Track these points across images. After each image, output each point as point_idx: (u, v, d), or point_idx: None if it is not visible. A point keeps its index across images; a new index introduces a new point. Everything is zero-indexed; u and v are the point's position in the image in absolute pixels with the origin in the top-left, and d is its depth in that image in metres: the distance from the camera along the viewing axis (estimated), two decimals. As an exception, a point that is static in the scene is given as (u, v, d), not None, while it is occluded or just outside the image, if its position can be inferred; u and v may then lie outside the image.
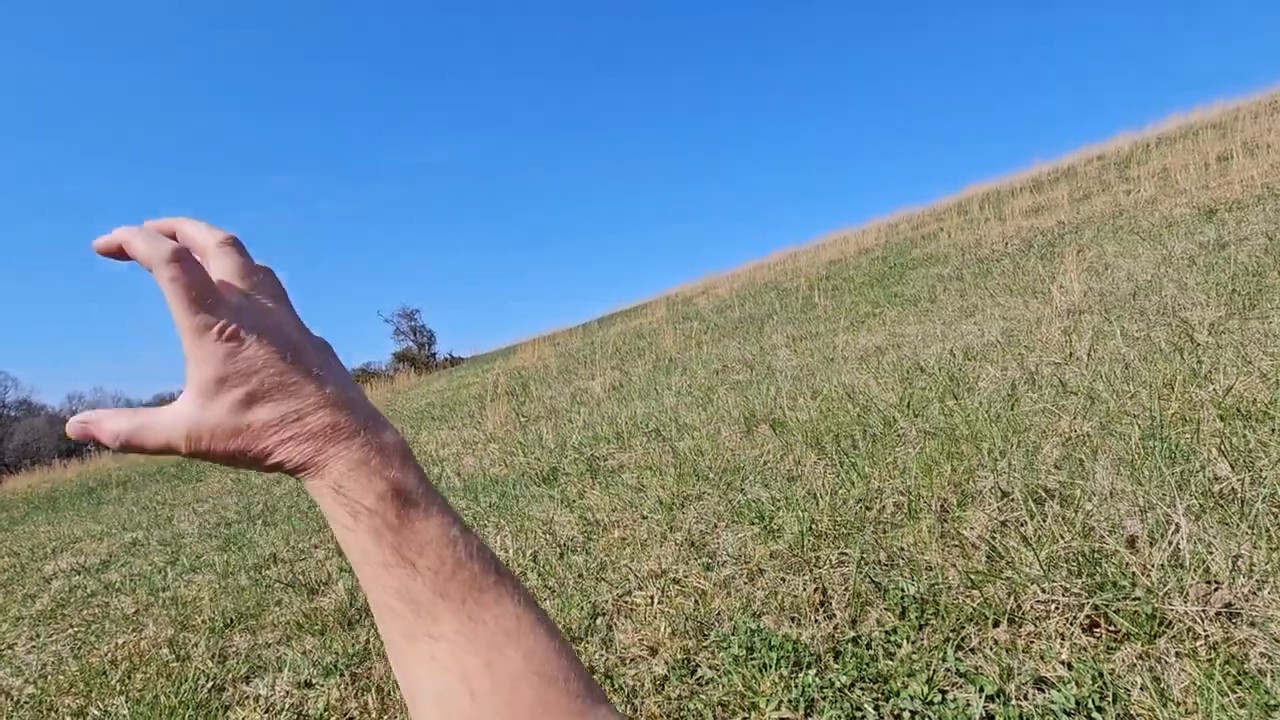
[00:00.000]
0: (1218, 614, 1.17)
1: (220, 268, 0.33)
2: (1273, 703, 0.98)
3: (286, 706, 1.66)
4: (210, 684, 1.87)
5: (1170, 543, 1.33)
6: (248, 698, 1.76)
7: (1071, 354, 2.91)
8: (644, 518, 2.35)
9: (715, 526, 2.09)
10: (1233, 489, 1.45)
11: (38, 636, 2.77)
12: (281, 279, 0.37)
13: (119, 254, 0.32)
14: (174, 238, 0.35)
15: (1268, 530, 1.30)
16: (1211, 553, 1.29)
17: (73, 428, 0.31)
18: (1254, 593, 1.19)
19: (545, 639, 0.30)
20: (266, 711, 1.67)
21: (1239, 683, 1.04)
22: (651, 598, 1.77)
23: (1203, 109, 10.53)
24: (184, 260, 0.30)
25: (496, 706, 0.28)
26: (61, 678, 2.19)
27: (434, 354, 24.98)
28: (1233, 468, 1.53)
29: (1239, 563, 1.25)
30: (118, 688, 2.00)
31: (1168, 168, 7.17)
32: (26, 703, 2.05)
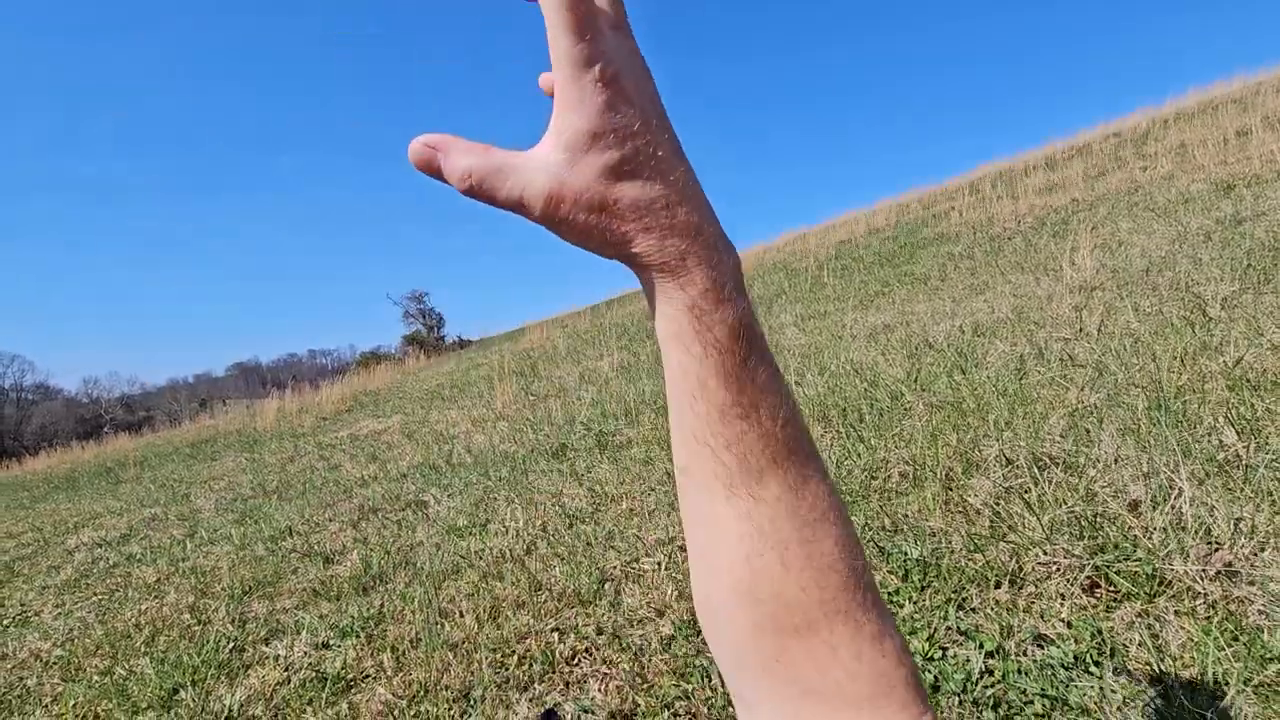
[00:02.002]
0: (1217, 574, 1.18)
1: None
2: (1269, 655, 1.00)
3: (305, 665, 1.72)
4: (231, 645, 1.93)
5: (1173, 506, 1.34)
6: (267, 658, 1.82)
7: (1082, 329, 2.90)
8: (651, 490, 2.38)
9: (722, 497, 2.12)
10: (1237, 455, 1.46)
11: (63, 604, 2.86)
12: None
13: None
14: None
15: (1270, 493, 1.31)
16: (1214, 516, 1.30)
17: (417, 151, 0.26)
18: (1255, 553, 1.20)
19: (850, 530, 0.29)
20: (286, 670, 1.72)
21: (1236, 638, 1.06)
22: (659, 564, 1.80)
23: (1223, 83, 10.30)
24: None
25: (804, 582, 0.27)
26: (88, 641, 2.26)
27: (443, 336, 25.12)
28: (1239, 435, 1.53)
29: (1241, 525, 1.26)
30: (142, 649, 2.07)
31: (1185, 143, 7.03)
32: (55, 664, 2.13)
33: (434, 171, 0.26)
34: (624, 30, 0.28)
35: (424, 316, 25.87)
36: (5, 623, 2.78)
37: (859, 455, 2.05)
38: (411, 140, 0.26)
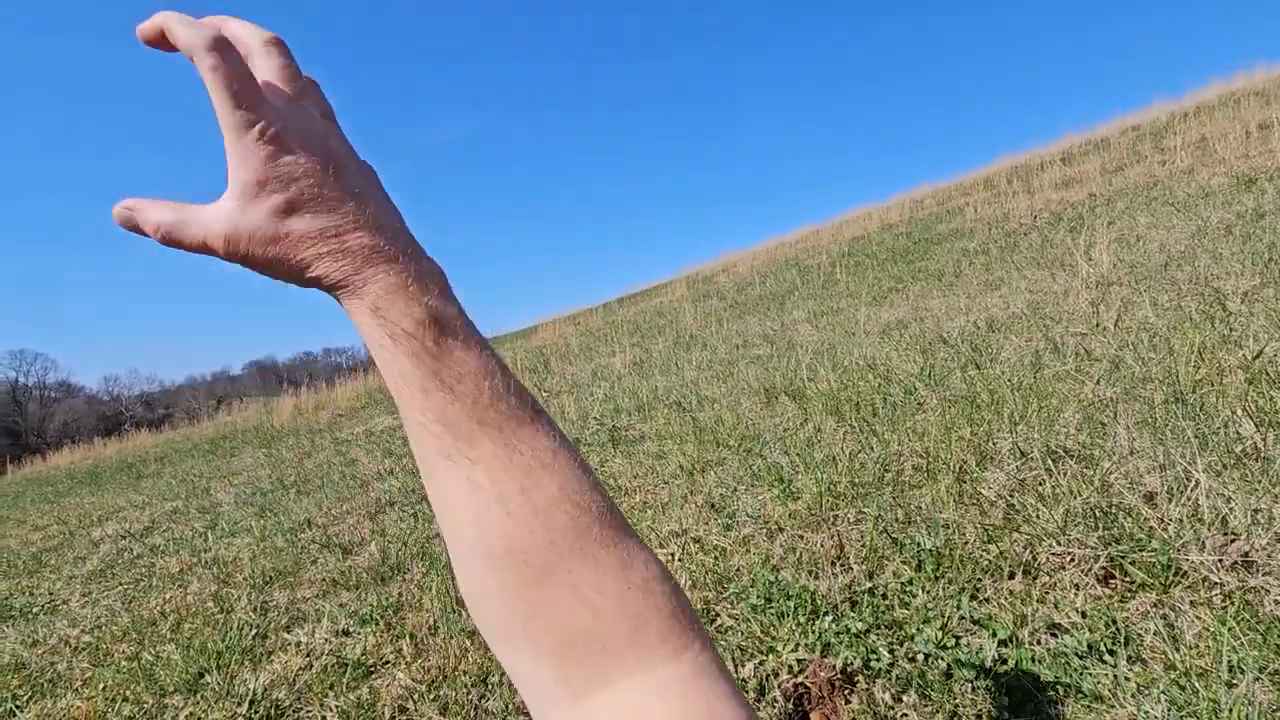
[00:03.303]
0: (1234, 564, 1.18)
1: (266, 68, 0.33)
2: (1285, 644, 1.00)
3: (326, 651, 1.76)
4: (254, 632, 1.98)
5: (1189, 498, 1.34)
6: (289, 644, 1.86)
7: (1098, 324, 2.87)
8: (665, 483, 2.40)
9: (735, 490, 2.13)
10: (1255, 446, 1.45)
11: (90, 593, 2.93)
12: None
13: (160, 42, 0.31)
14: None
15: (1289, 485, 1.30)
16: (1230, 507, 1.29)
17: (118, 213, 0.32)
18: (1272, 544, 1.19)
19: (579, 473, 0.31)
20: (307, 656, 1.76)
21: (1252, 627, 1.06)
22: (672, 555, 1.82)
23: (1245, 75, 10.11)
24: (226, 50, 0.30)
25: (531, 526, 0.29)
26: (115, 628, 2.32)
27: (456, 335, 25.23)
28: (1257, 427, 1.52)
29: (1258, 516, 1.25)
30: (168, 636, 2.12)
31: (1206, 137, 6.93)
32: (84, 649, 2.19)
33: (133, 227, 0.32)
34: (298, 101, 0.33)
35: (437, 315, 26.02)
36: (35, 610, 2.85)
37: (872, 448, 2.06)
38: (115, 204, 0.31)
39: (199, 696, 1.68)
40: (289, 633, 1.94)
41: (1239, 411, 1.62)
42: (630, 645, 0.27)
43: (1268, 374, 1.83)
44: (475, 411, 0.30)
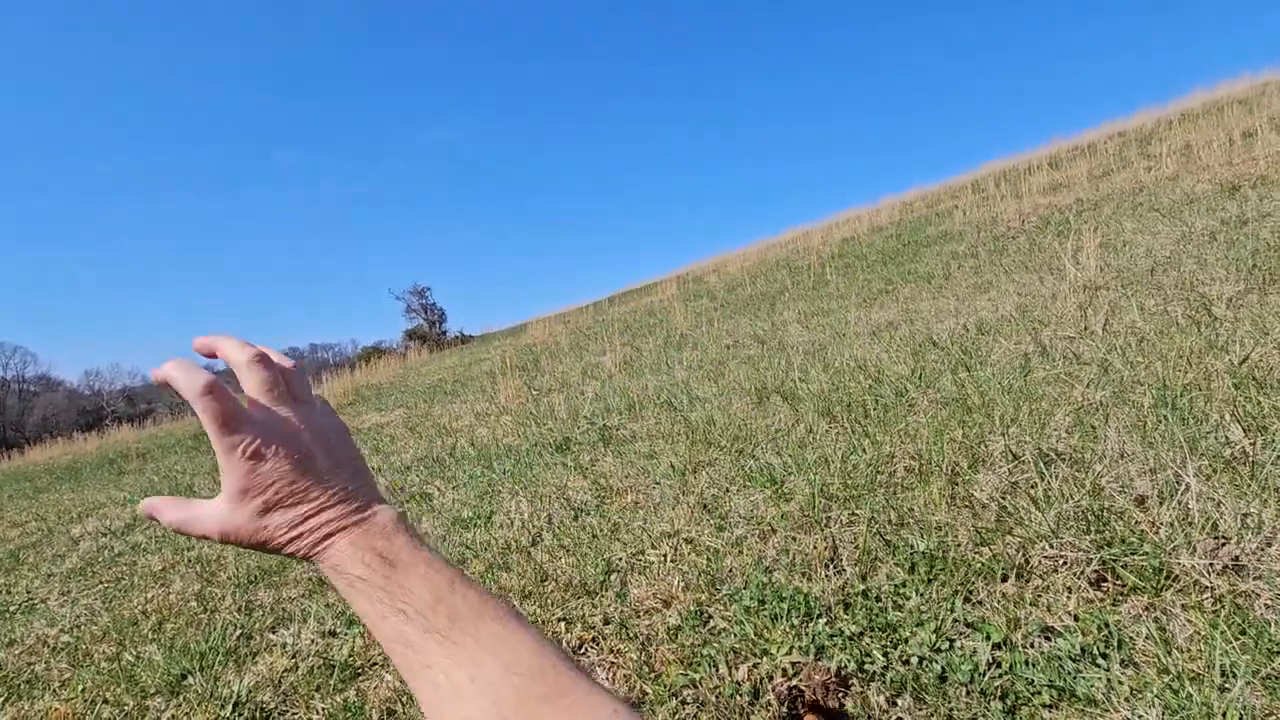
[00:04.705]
0: (1225, 568, 1.19)
1: (249, 383, 0.41)
2: (1276, 648, 1.00)
3: (312, 653, 1.73)
4: (238, 632, 1.94)
5: (1180, 502, 1.35)
6: (274, 645, 1.83)
7: (1086, 328, 2.90)
8: (656, 483, 2.39)
9: (727, 490, 2.13)
10: (1244, 451, 1.46)
11: (69, 592, 2.87)
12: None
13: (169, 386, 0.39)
14: (215, 353, 0.42)
15: (1277, 489, 1.32)
16: (1221, 511, 1.30)
17: (145, 513, 0.41)
18: (1261, 548, 1.20)
19: (522, 644, 0.36)
20: (293, 657, 1.73)
21: (1243, 631, 1.06)
22: (665, 555, 1.81)
23: (1229, 84, 10.28)
24: (214, 391, 0.37)
25: (482, 705, 0.34)
26: (95, 628, 2.28)
27: (445, 332, 25.14)
28: (1245, 432, 1.53)
29: (1247, 520, 1.26)
30: (150, 636, 2.08)
31: (1190, 144, 7.02)
32: (63, 650, 2.14)
33: (155, 520, 0.41)
34: (277, 406, 0.41)
35: (426, 311, 25.88)
36: (12, 609, 2.79)
37: (864, 450, 2.06)
38: (141, 504, 0.41)
39: (181, 698, 1.65)
40: (274, 633, 1.91)
41: (1227, 416, 1.63)
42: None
43: (1254, 378, 1.85)
44: (423, 623, 0.36)
